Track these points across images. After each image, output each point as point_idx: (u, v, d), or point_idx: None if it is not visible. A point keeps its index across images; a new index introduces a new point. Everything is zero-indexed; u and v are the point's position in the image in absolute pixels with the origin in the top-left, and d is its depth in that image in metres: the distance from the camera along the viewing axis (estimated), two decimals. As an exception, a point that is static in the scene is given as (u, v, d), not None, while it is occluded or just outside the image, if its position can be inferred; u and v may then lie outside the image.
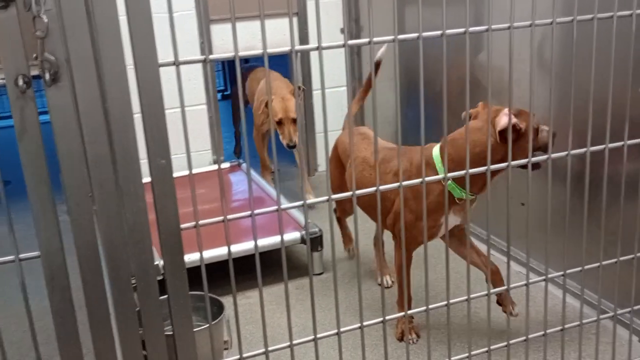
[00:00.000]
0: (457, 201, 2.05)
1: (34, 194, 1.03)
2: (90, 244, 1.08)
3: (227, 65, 6.75)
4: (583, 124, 1.43)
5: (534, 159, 1.41)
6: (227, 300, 2.22)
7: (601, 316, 1.63)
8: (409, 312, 1.46)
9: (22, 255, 1.09)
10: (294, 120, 3.14)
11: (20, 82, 0.95)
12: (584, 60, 1.42)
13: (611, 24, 1.37)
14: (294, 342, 1.31)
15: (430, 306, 1.42)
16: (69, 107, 1.01)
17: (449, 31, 1.24)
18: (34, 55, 0.96)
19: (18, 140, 1.00)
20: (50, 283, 1.09)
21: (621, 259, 1.59)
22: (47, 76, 0.97)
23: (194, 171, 3.46)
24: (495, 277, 2.17)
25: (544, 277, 1.52)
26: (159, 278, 1.15)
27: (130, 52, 1.03)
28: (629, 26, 1.40)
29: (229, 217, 1.18)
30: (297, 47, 1.15)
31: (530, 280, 1.51)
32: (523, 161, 1.41)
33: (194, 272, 1.22)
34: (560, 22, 1.33)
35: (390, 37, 1.20)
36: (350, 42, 1.19)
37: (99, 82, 1.02)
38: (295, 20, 3.91)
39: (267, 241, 2.66)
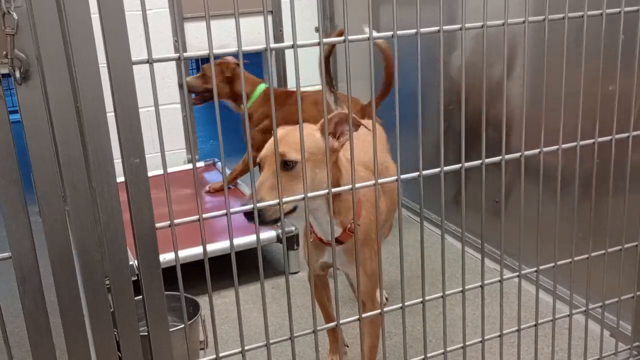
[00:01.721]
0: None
1: (5, 194, 1.01)
2: (63, 245, 1.07)
3: (201, 64, 6.70)
4: (555, 122, 1.45)
5: (507, 157, 1.43)
6: (202, 300, 2.21)
7: (573, 311, 1.66)
8: (385, 309, 1.47)
9: (-8, 257, 1.07)
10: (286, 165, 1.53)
11: (-10, 80, 0.93)
12: (554, 59, 1.44)
13: (581, 24, 1.39)
14: (271, 341, 1.31)
15: (406, 303, 1.42)
16: (40, 106, 0.99)
17: (423, 30, 1.25)
18: (4, 52, 0.94)
19: (-13, 140, 0.98)
20: (22, 284, 1.07)
21: (592, 254, 1.62)
22: (18, 74, 0.95)
23: (169, 170, 3.43)
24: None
25: (517, 274, 1.54)
26: (134, 278, 1.14)
27: (103, 50, 1.01)
28: (598, 25, 1.42)
29: (204, 216, 1.18)
30: (272, 44, 1.15)
31: (504, 277, 1.53)
32: (477, 162, 1.42)
33: (169, 272, 1.21)
34: (533, 21, 1.35)
35: (366, 36, 1.21)
36: (326, 39, 1.19)
37: (71, 81, 1.00)
38: (270, 18, 3.90)
39: (243, 240, 2.65)
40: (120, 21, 1.00)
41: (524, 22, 1.34)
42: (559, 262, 1.58)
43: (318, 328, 1.35)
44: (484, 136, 1.41)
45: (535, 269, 1.56)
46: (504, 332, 1.56)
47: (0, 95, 0.94)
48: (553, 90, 1.42)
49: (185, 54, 1.09)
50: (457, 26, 1.28)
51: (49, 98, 1.00)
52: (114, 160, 1.07)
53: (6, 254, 1.06)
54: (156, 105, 1.12)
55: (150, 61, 1.06)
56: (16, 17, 0.93)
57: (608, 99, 1.57)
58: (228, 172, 3.51)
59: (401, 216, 1.43)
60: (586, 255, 1.61)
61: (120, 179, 1.06)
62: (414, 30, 1.24)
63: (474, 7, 1.33)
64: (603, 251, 1.63)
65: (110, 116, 1.04)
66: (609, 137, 1.53)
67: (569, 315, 1.66)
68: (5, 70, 0.96)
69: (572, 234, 1.57)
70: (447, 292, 1.47)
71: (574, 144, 1.49)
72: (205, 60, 4.19)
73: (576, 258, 1.60)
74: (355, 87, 1.33)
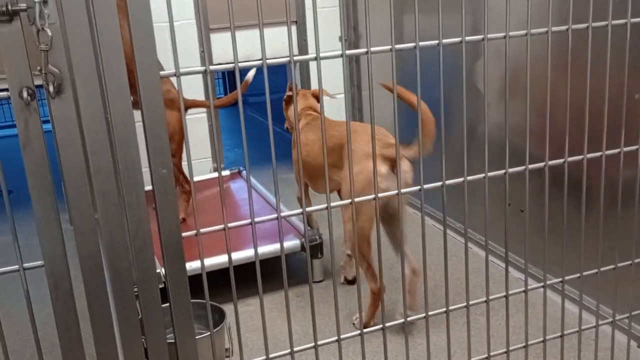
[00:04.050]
0: None
1: (38, 204, 1.04)
2: (93, 253, 1.10)
3: (227, 73, 6.79)
4: (580, 131, 1.45)
5: (531, 166, 1.43)
6: (228, 308, 2.23)
7: (600, 322, 1.64)
8: (409, 318, 1.47)
9: (26, 265, 1.11)
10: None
11: (25, 94, 0.97)
12: (579, 68, 1.44)
13: (605, 33, 1.39)
14: (295, 349, 1.32)
15: (430, 313, 1.43)
16: (72, 119, 1.02)
17: (445, 40, 1.25)
18: (38, 67, 0.98)
19: (22, 151, 1.01)
20: (54, 292, 1.10)
21: (619, 265, 1.60)
22: (51, 88, 0.98)
23: (195, 179, 3.46)
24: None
25: (542, 284, 1.53)
26: (161, 286, 1.17)
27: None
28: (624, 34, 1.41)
29: (230, 225, 1.20)
30: (296, 57, 1.17)
31: (529, 287, 1.52)
32: (500, 172, 1.42)
33: (195, 280, 1.23)
34: (556, 30, 1.35)
35: (388, 47, 1.22)
36: (348, 52, 1.20)
37: (101, 94, 1.04)
38: (294, 29, 3.93)
39: (268, 249, 2.67)
40: (149, 36, 1.03)
41: (547, 32, 1.34)
42: (585, 273, 1.56)
43: (342, 337, 1.36)
44: (507, 145, 1.41)
45: (560, 279, 1.55)
46: (530, 342, 1.55)
47: (34, 109, 0.97)
48: (577, 99, 1.42)
49: (211, 67, 1.12)
50: (480, 37, 1.29)
51: (80, 110, 1.03)
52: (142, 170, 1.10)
53: (39, 262, 1.09)
54: (183, 115, 1.16)
55: (177, 74, 1.09)
56: (50, 34, 0.96)
57: (633, 108, 1.56)
58: (253, 180, 3.54)
59: (424, 224, 1.43)
60: (613, 266, 1.60)
61: (148, 187, 1.09)
62: (436, 42, 1.25)
63: (497, 14, 1.33)
64: (630, 261, 1.61)
65: (138, 126, 1.07)
66: (635, 147, 1.52)
67: (595, 326, 1.64)
68: (37, 82, 1.00)
69: (598, 244, 1.56)
70: (471, 302, 1.46)
71: (599, 153, 1.48)
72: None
73: (603, 268, 1.58)
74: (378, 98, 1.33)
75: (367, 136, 2.30)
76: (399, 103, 1.32)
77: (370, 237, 2.31)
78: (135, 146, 1.08)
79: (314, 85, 4.11)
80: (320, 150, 2.52)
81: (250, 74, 3.06)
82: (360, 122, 4.17)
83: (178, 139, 3.03)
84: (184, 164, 3.35)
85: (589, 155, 1.47)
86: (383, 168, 2.20)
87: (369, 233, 2.30)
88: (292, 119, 2.93)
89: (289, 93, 2.92)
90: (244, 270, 2.30)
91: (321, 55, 1.17)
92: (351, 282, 2.82)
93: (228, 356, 2.23)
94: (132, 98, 1.06)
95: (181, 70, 1.09)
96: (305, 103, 2.85)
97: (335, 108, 4.07)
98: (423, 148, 2.41)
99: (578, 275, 1.56)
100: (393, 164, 2.22)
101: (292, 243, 2.76)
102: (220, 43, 3.89)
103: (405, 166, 2.24)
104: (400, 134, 1.35)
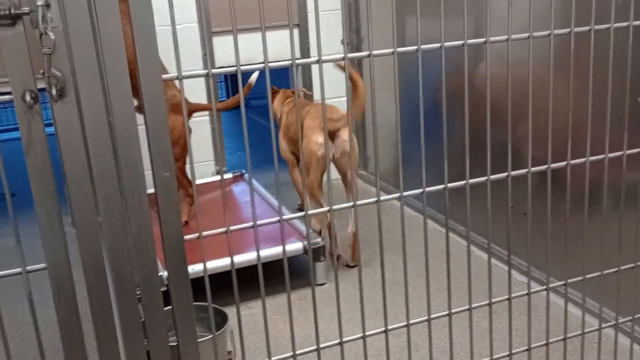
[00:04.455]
0: None
1: (41, 207, 1.05)
2: (96, 256, 1.10)
3: (229, 76, 6.80)
4: (582, 133, 1.44)
5: (533, 169, 1.43)
6: (230, 311, 2.23)
7: (603, 325, 1.64)
8: (411, 322, 1.47)
9: (29, 268, 1.11)
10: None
11: (28, 97, 0.97)
12: (583, 70, 1.44)
13: (608, 36, 1.39)
14: (297, 352, 1.32)
15: (432, 316, 1.42)
16: (74, 122, 1.03)
17: (447, 43, 1.26)
18: (41, 71, 0.98)
19: (25, 154, 1.02)
20: (57, 294, 1.10)
21: (622, 267, 1.60)
22: (54, 92, 0.99)
23: (197, 182, 3.46)
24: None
25: (545, 287, 1.53)
26: (163, 289, 1.17)
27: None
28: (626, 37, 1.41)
29: (232, 228, 1.20)
30: (298, 60, 1.17)
31: (532, 290, 1.52)
32: (502, 175, 1.42)
33: (197, 283, 1.23)
34: (558, 33, 1.35)
35: (390, 50, 1.22)
36: (350, 55, 1.21)
37: (104, 97, 1.04)
38: (296, 32, 3.94)
39: (270, 252, 2.67)
40: (151, 40, 1.03)
41: (549, 34, 1.34)
42: (588, 275, 1.56)
43: (344, 340, 1.36)
44: (509, 148, 1.41)
45: (563, 282, 1.54)
46: (532, 346, 1.55)
47: (37, 112, 0.98)
48: (580, 101, 1.42)
49: (213, 70, 1.12)
50: (482, 40, 1.29)
51: (83, 114, 1.03)
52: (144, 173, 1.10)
53: (42, 265, 1.09)
54: (185, 118, 1.16)
55: (179, 77, 1.09)
56: (53, 37, 0.96)
57: (636, 110, 1.55)
58: (255, 183, 3.54)
59: (426, 227, 1.43)
60: (616, 269, 1.59)
61: (150, 190, 1.09)
62: (438, 44, 1.25)
63: (500, 17, 1.33)
64: (633, 264, 1.61)
65: (141, 129, 1.07)
66: (638, 150, 1.51)
67: (598, 329, 1.64)
68: (40, 85, 1.00)
69: (601, 246, 1.56)
70: (473, 305, 1.46)
71: (602, 156, 1.48)
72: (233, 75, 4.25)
73: (606, 271, 1.58)
74: (379, 99, 1.34)
75: (316, 113, 2.90)
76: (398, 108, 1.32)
77: (318, 187, 2.92)
78: (138, 149, 1.08)
79: (317, 89, 4.11)
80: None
81: (253, 77, 3.16)
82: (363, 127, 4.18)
83: (183, 143, 3.05)
84: (187, 166, 3.36)
85: (592, 158, 1.46)
86: (321, 138, 2.79)
87: (317, 186, 2.88)
88: (277, 111, 3.46)
89: (274, 87, 3.53)
90: (246, 273, 2.30)
91: (323, 58, 1.17)
92: (352, 266, 3.00)
93: (230, 359, 2.23)
94: (135, 101, 1.06)
95: (183, 74, 1.09)
96: (285, 95, 3.44)
97: (337, 111, 4.07)
98: (354, 114, 2.87)
99: (581, 278, 1.56)
100: (331, 134, 2.81)
101: (294, 246, 2.76)
102: (223, 46, 3.89)
103: (344, 136, 2.78)
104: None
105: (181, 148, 3.06)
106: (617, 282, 1.60)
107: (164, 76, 1.06)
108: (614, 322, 1.66)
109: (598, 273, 1.58)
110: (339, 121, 2.76)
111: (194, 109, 3.23)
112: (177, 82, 3.26)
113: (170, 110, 2.96)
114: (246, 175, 3.80)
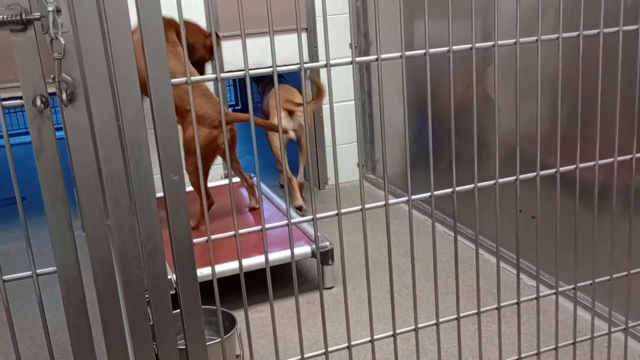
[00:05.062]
0: None
1: (51, 210, 1.05)
2: (105, 259, 1.11)
3: (238, 80, 6.82)
4: (591, 137, 1.44)
5: (542, 173, 1.42)
6: (238, 314, 2.23)
7: (612, 329, 1.63)
8: (420, 325, 1.46)
9: (39, 271, 1.12)
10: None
11: (38, 102, 0.98)
12: (590, 74, 1.43)
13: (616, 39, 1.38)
14: (305, 355, 1.32)
15: (441, 320, 1.42)
16: (84, 126, 1.03)
17: (455, 47, 1.26)
18: (51, 75, 0.99)
19: (36, 158, 1.03)
20: (67, 298, 1.11)
21: (632, 271, 1.59)
22: (64, 96, 1.00)
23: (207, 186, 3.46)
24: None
25: (554, 291, 1.53)
26: (172, 292, 1.17)
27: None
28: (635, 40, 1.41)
29: (240, 231, 1.20)
30: (306, 64, 1.17)
31: (541, 294, 1.51)
32: (511, 178, 1.41)
33: (206, 286, 1.23)
34: (567, 37, 1.34)
35: (398, 54, 1.23)
36: (358, 59, 1.21)
37: (113, 101, 1.05)
38: (304, 36, 3.95)
39: (278, 255, 2.67)
40: (160, 44, 1.04)
41: (557, 37, 1.34)
42: (597, 279, 1.55)
43: (352, 344, 1.36)
44: (518, 151, 1.40)
45: (573, 286, 1.54)
46: (541, 350, 1.54)
47: (48, 117, 0.98)
48: (588, 105, 1.41)
49: (222, 75, 1.12)
50: (490, 43, 1.29)
51: (93, 118, 1.04)
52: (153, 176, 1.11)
53: (52, 269, 1.10)
54: (194, 123, 1.17)
55: (188, 82, 1.10)
56: (63, 42, 0.97)
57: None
58: (263, 186, 3.55)
59: (435, 230, 1.43)
60: (626, 272, 1.59)
61: (159, 194, 1.10)
62: (446, 48, 1.25)
63: (508, 20, 1.33)
64: (643, 268, 1.60)
65: (150, 133, 1.08)
66: (647, 152, 1.51)
67: (608, 333, 1.63)
68: (50, 90, 1.01)
69: (610, 250, 1.55)
70: (482, 309, 1.46)
71: (611, 159, 1.47)
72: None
73: (615, 275, 1.57)
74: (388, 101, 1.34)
75: (281, 95, 3.62)
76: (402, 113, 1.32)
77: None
78: (147, 153, 1.09)
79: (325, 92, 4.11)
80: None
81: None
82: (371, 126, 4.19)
83: (203, 155, 3.05)
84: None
85: (601, 162, 1.46)
86: (283, 114, 3.62)
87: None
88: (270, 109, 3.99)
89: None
90: (255, 277, 2.31)
91: (331, 62, 1.17)
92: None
93: (239, 362, 2.24)
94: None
95: (192, 78, 1.10)
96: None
97: (345, 115, 4.08)
98: (315, 105, 3.48)
99: (590, 282, 1.55)
100: (290, 112, 3.62)
101: (302, 249, 2.76)
102: (231, 50, 3.91)
103: (299, 113, 3.57)
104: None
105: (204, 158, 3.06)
106: (627, 285, 1.59)
107: (173, 80, 1.07)
108: (623, 326, 1.65)
109: (608, 277, 1.57)
110: (299, 106, 3.62)
111: (230, 119, 3.16)
112: (209, 88, 3.35)
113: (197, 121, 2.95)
114: (254, 179, 3.81)
